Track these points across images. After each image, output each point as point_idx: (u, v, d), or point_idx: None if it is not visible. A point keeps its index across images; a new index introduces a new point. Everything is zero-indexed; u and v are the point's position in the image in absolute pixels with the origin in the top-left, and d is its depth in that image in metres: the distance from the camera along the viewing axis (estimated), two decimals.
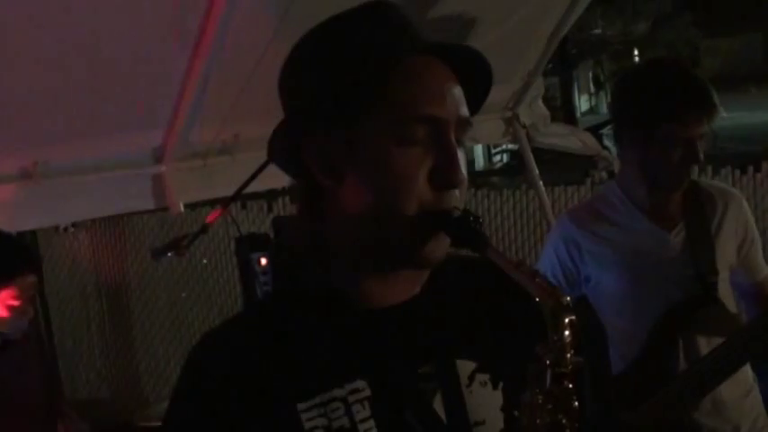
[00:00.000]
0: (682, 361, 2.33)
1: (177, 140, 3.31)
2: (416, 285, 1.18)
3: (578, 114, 31.23)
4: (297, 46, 1.16)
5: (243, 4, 2.85)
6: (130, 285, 6.35)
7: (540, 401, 1.03)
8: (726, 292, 2.40)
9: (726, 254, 2.40)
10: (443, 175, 1.08)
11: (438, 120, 1.08)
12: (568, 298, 1.03)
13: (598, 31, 32.16)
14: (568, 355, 1.02)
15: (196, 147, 3.38)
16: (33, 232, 5.74)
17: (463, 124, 1.12)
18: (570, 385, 1.03)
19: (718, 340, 2.29)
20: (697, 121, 2.25)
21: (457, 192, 1.10)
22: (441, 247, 1.11)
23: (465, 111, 1.12)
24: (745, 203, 2.50)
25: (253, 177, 2.36)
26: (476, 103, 1.16)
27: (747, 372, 2.43)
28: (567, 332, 1.02)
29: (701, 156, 2.27)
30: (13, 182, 2.95)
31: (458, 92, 1.11)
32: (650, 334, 2.34)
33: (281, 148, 1.16)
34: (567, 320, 1.02)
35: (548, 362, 1.02)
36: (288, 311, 1.18)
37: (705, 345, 2.33)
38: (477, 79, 1.15)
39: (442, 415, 1.12)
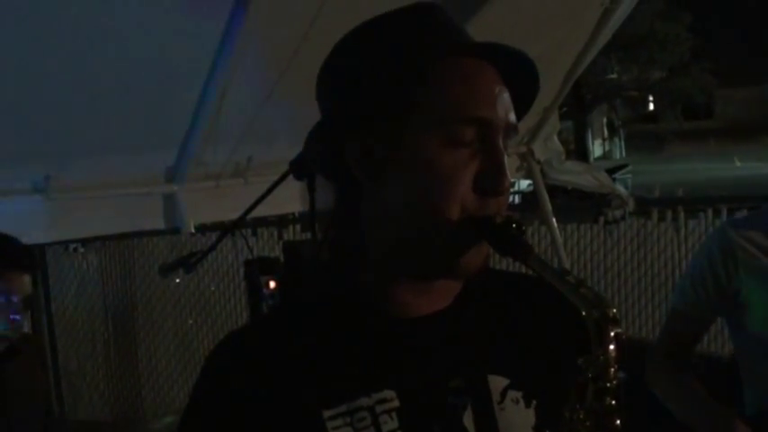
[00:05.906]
0: None
1: (190, 160, 3.32)
2: (449, 296, 1.13)
3: (591, 159, 31.31)
4: (339, 44, 1.12)
5: (260, 28, 2.86)
6: (137, 308, 6.32)
7: (581, 418, 0.98)
8: None
9: None
10: (490, 181, 1.04)
11: (488, 122, 1.04)
12: (615, 310, 0.97)
13: (614, 76, 32.35)
14: (612, 371, 0.97)
15: (209, 168, 3.39)
16: (42, 250, 5.74)
17: (510, 130, 1.08)
18: (613, 402, 0.98)
19: None
20: None
21: (501, 198, 1.06)
22: (480, 255, 1.07)
23: (513, 117, 1.08)
24: None
25: (268, 192, 2.33)
26: (520, 111, 1.12)
27: None
28: (612, 346, 0.96)
29: None
30: (24, 194, 2.96)
31: (507, 97, 1.07)
32: None
33: (320, 149, 1.12)
34: (612, 333, 0.96)
35: (590, 376, 0.97)
36: (313, 318, 1.13)
37: None
38: (522, 85, 1.10)
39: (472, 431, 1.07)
